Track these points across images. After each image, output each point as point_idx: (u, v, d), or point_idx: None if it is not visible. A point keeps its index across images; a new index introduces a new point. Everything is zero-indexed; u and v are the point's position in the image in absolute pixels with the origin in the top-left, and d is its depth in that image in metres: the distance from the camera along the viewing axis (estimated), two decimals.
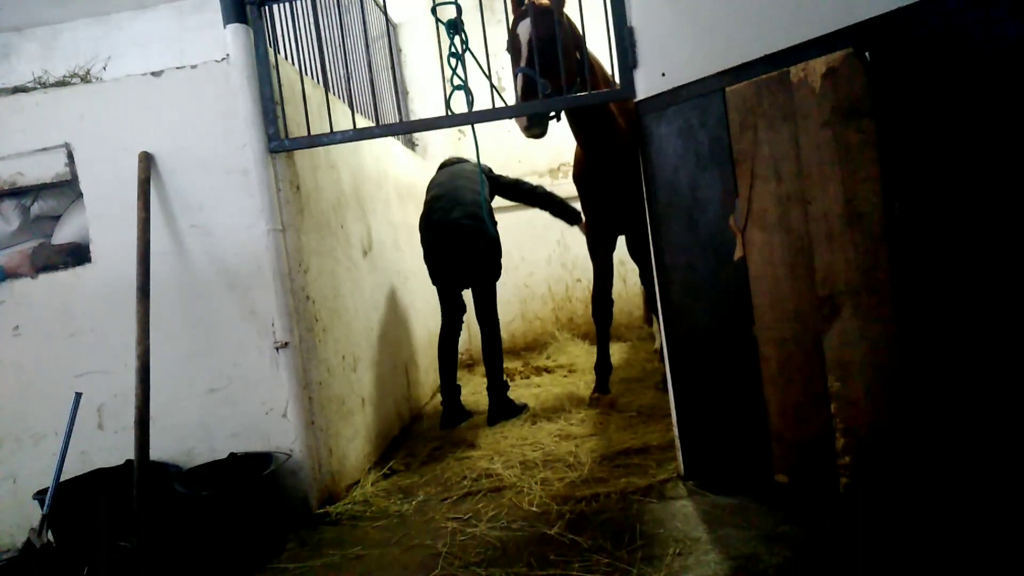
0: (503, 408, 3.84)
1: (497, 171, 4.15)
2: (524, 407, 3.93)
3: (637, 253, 3.95)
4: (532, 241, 5.78)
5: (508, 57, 3.04)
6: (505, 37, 2.94)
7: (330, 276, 3.11)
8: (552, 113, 3.03)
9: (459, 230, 3.74)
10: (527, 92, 2.83)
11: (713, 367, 2.44)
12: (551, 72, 2.79)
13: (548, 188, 4.15)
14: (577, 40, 3.00)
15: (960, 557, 1.81)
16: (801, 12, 2.03)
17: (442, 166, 4.27)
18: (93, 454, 2.76)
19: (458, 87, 2.91)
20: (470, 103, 2.89)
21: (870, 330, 1.98)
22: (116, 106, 2.76)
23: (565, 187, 4.43)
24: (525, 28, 2.88)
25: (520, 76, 2.85)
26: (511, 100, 3.86)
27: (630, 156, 3.14)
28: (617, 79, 2.58)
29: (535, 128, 2.91)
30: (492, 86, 2.93)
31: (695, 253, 2.42)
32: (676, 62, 2.37)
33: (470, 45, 3.01)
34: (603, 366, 3.92)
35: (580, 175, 3.75)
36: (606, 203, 3.62)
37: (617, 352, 5.15)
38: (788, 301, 2.16)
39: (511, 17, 2.97)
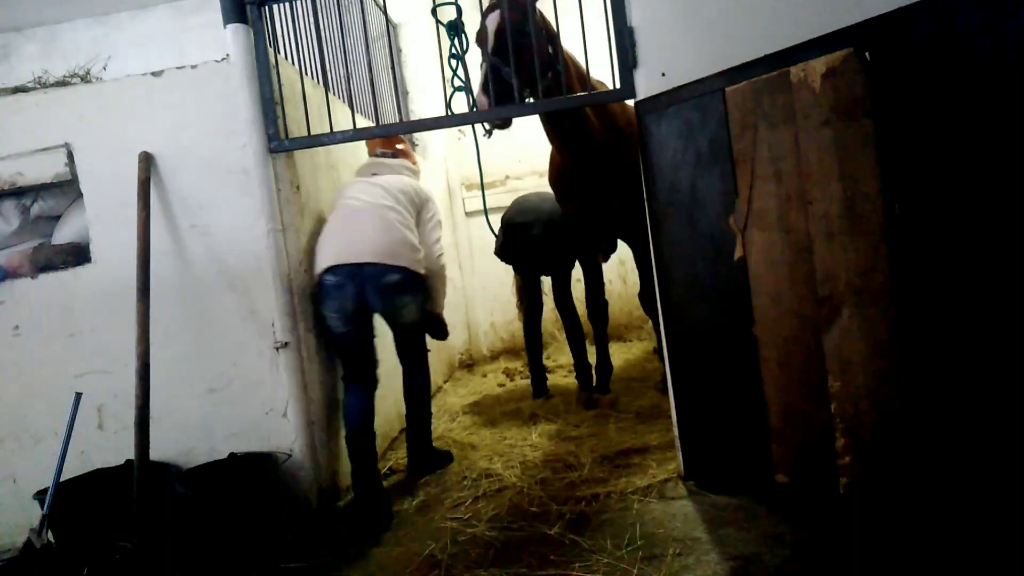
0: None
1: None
2: None
3: (637, 249, 3.94)
4: None
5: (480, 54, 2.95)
6: None
7: None
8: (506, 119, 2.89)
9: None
10: (495, 81, 2.71)
11: (713, 367, 2.44)
12: (520, 65, 2.70)
13: (549, 187, 4.13)
14: (551, 34, 2.93)
15: (959, 557, 1.81)
16: (801, 12, 2.02)
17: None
18: (93, 454, 2.76)
19: (459, 88, 2.90)
20: (471, 104, 2.88)
21: (870, 330, 1.98)
22: (116, 106, 2.76)
23: None
24: (494, 19, 2.81)
25: (487, 66, 2.73)
26: None
27: (607, 156, 3.13)
28: (618, 80, 2.57)
29: (499, 122, 2.84)
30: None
31: (695, 253, 2.42)
32: (676, 62, 2.37)
33: (470, 45, 3.01)
34: (603, 367, 3.92)
35: (555, 178, 3.66)
36: (585, 204, 3.57)
37: (617, 352, 5.15)
38: (788, 301, 2.16)
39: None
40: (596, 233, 3.82)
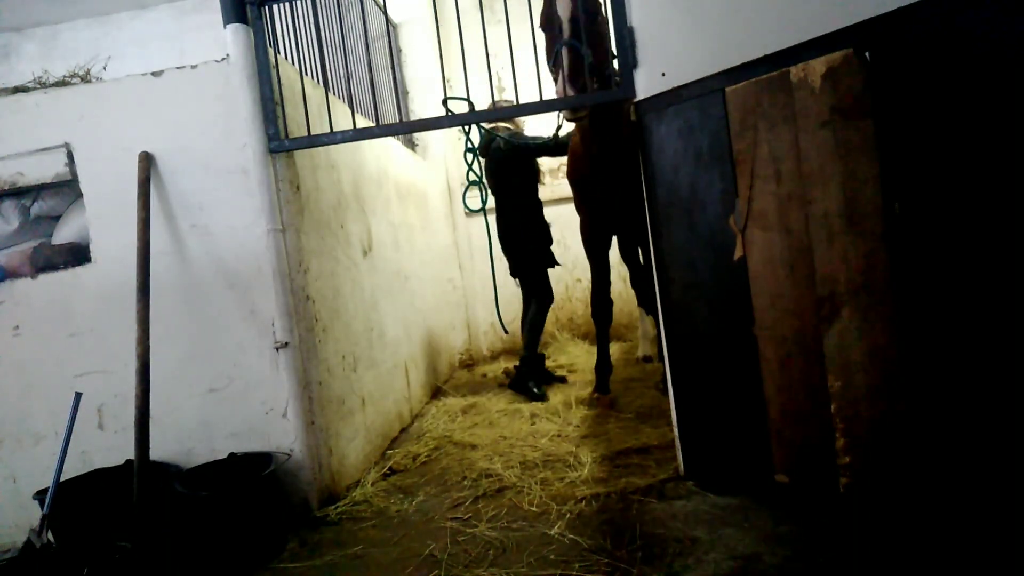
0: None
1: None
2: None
3: (630, 255, 3.93)
4: None
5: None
6: (505, 37, 2.93)
7: (330, 276, 3.11)
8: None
9: None
10: (575, 65, 2.77)
11: (713, 367, 2.44)
12: (591, 45, 2.77)
13: (549, 188, 4.12)
14: (604, 19, 2.97)
15: (959, 557, 1.81)
16: (801, 12, 2.02)
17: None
18: (93, 454, 2.76)
19: (473, 183, 2.90)
20: (471, 106, 2.89)
21: (870, 330, 1.98)
22: (116, 106, 2.76)
23: (566, 187, 4.43)
24: (565, 5, 2.86)
25: (567, 49, 2.80)
26: (511, 100, 3.85)
27: (631, 154, 3.14)
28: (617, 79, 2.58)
29: (581, 112, 2.92)
30: (491, 87, 2.93)
31: (695, 253, 2.42)
32: (676, 62, 2.37)
33: (469, 45, 3.01)
34: (603, 366, 3.92)
35: (579, 173, 3.68)
36: (605, 201, 3.59)
37: (617, 352, 5.15)
38: (788, 301, 2.16)
39: (518, 10, 2.94)
40: (610, 231, 3.82)
